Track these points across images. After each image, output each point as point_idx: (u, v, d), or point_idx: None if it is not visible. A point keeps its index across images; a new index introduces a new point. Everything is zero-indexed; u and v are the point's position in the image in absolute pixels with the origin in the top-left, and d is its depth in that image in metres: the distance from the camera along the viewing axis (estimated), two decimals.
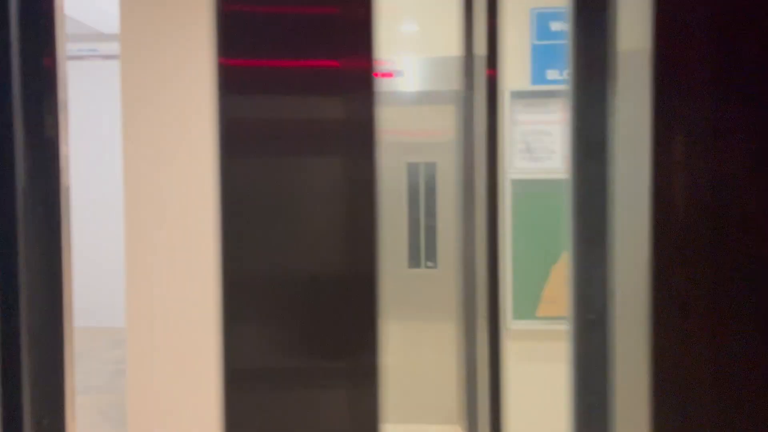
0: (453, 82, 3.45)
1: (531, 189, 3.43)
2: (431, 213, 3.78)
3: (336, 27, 1.10)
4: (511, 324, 3.46)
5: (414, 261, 3.81)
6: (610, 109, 0.82)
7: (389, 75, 3.44)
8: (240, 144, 1.18)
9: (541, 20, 3.38)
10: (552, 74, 3.39)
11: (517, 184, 3.42)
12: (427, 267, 3.80)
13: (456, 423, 3.75)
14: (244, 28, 1.13)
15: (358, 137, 1.09)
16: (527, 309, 3.47)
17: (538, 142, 3.44)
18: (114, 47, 3.56)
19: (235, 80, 1.16)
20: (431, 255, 3.80)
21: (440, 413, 3.80)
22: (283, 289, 1.11)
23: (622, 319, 0.75)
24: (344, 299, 1.08)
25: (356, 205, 1.07)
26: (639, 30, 0.71)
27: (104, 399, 4.62)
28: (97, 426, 4.10)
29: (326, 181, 1.12)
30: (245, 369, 1.13)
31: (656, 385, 0.69)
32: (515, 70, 3.42)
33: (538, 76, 3.40)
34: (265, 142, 1.17)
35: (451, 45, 3.45)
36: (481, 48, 3.36)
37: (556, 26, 3.37)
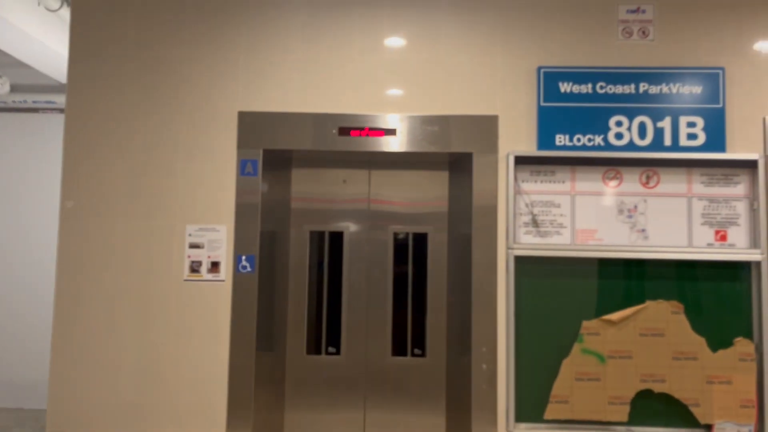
0: (449, 144, 3.04)
1: (537, 267, 2.97)
2: (420, 292, 3.28)
3: None
4: (513, 427, 2.93)
5: (399, 348, 3.28)
6: None
7: (380, 133, 3.03)
8: None
9: (549, 80, 3.03)
10: (561, 139, 3.01)
11: (522, 261, 2.97)
12: (414, 355, 3.27)
13: None
14: None
15: None
16: (533, 410, 2.94)
17: (546, 215, 3.02)
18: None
19: None
20: (419, 341, 3.27)
21: None
22: None
23: None
24: None
25: None
26: None
27: None
28: None
29: None
30: None
31: None
32: (520, 134, 3.04)
33: (546, 141, 3.01)
34: None
35: (450, 104, 3.07)
36: (484, 108, 2.99)
37: (565, 87, 3.02)
